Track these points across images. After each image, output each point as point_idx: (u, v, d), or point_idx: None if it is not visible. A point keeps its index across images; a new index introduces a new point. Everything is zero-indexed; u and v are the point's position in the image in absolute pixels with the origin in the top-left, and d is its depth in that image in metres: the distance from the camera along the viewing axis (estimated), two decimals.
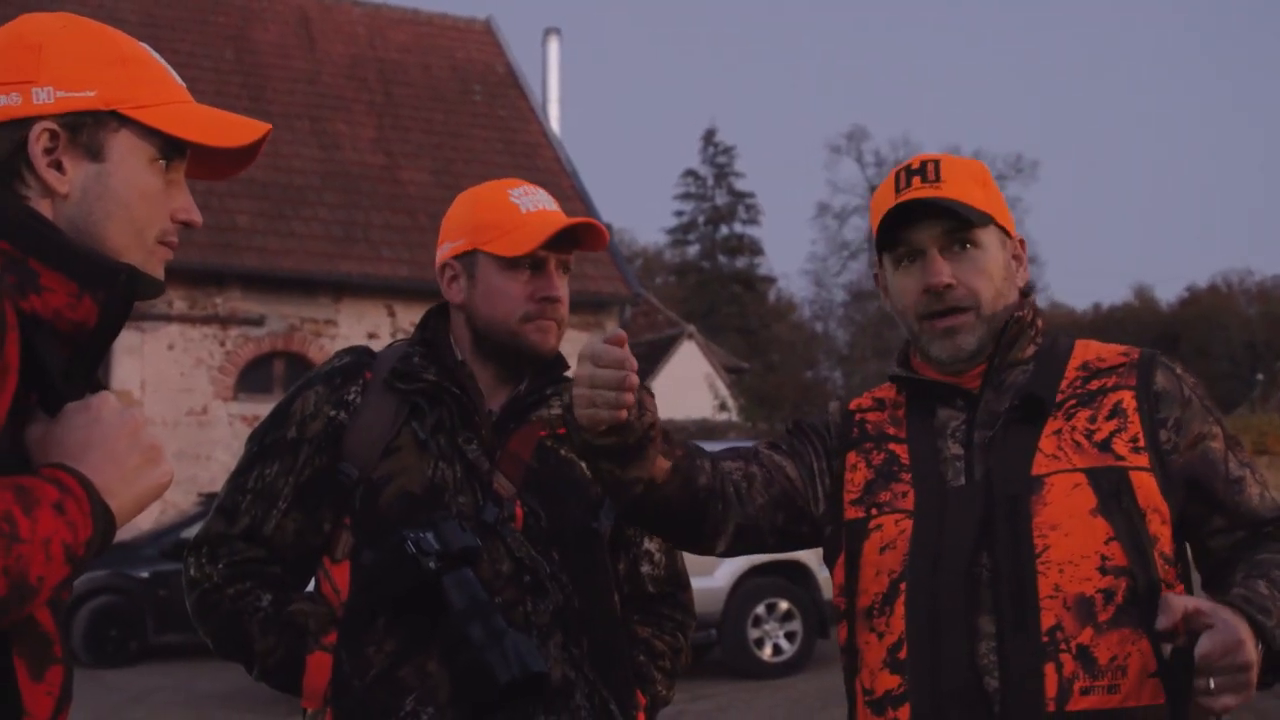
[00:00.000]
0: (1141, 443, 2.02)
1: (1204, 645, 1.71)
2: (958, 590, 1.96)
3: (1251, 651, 1.72)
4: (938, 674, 1.95)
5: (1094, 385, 2.08)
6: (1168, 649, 1.81)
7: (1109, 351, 2.15)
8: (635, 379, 1.87)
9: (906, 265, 2.14)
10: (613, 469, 1.99)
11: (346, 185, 20.70)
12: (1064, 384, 2.09)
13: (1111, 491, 1.97)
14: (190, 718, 10.81)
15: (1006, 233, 2.17)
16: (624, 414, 1.89)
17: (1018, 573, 1.94)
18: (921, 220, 2.11)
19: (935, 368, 2.14)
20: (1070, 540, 1.95)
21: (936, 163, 2.16)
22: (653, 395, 2.03)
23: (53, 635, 1.44)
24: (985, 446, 2.05)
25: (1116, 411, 2.04)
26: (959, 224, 2.09)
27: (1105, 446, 2.01)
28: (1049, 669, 1.90)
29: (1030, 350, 2.14)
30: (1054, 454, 2.01)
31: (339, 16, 24.28)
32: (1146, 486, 1.99)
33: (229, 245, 18.82)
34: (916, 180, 2.14)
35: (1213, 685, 1.71)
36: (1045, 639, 1.91)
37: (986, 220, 2.12)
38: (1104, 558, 1.94)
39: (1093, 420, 2.04)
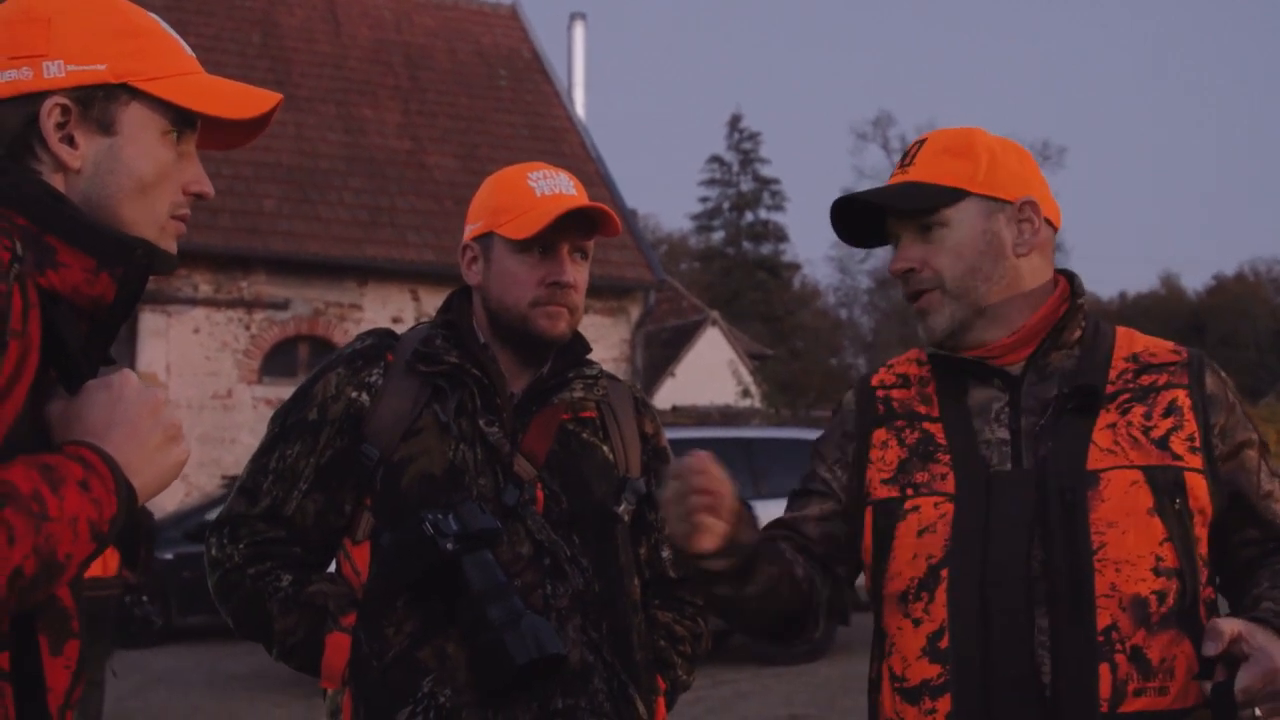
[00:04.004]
0: (1197, 443, 1.98)
1: (1243, 680, 1.72)
2: (1014, 582, 1.91)
3: None
4: (987, 667, 1.90)
5: (1145, 380, 2.03)
6: (1207, 686, 1.79)
7: (1158, 347, 2.10)
8: (698, 487, 1.83)
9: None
10: (728, 592, 1.98)
11: (372, 170, 20.72)
12: (1112, 374, 2.04)
13: (1167, 491, 1.94)
14: (214, 698, 10.88)
15: (1000, 200, 2.07)
16: (700, 523, 1.84)
17: (1073, 569, 1.90)
18: (894, 210, 2.10)
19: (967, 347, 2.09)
20: (1127, 539, 1.91)
21: (921, 142, 2.13)
22: (750, 509, 2.00)
23: (71, 610, 1.45)
24: (1035, 434, 1.99)
25: (1172, 409, 2.00)
26: (922, 208, 2.06)
27: (1163, 444, 1.97)
28: (1103, 669, 1.87)
29: (1076, 334, 2.08)
30: (1110, 449, 1.96)
31: (365, 1, 24.29)
32: (1198, 488, 1.96)
33: (255, 229, 18.88)
34: (897, 167, 2.13)
35: (1259, 713, 1.72)
36: (1100, 639, 1.88)
37: (944, 199, 2.05)
38: (1158, 558, 1.91)
39: (1148, 417, 1.99)
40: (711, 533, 1.86)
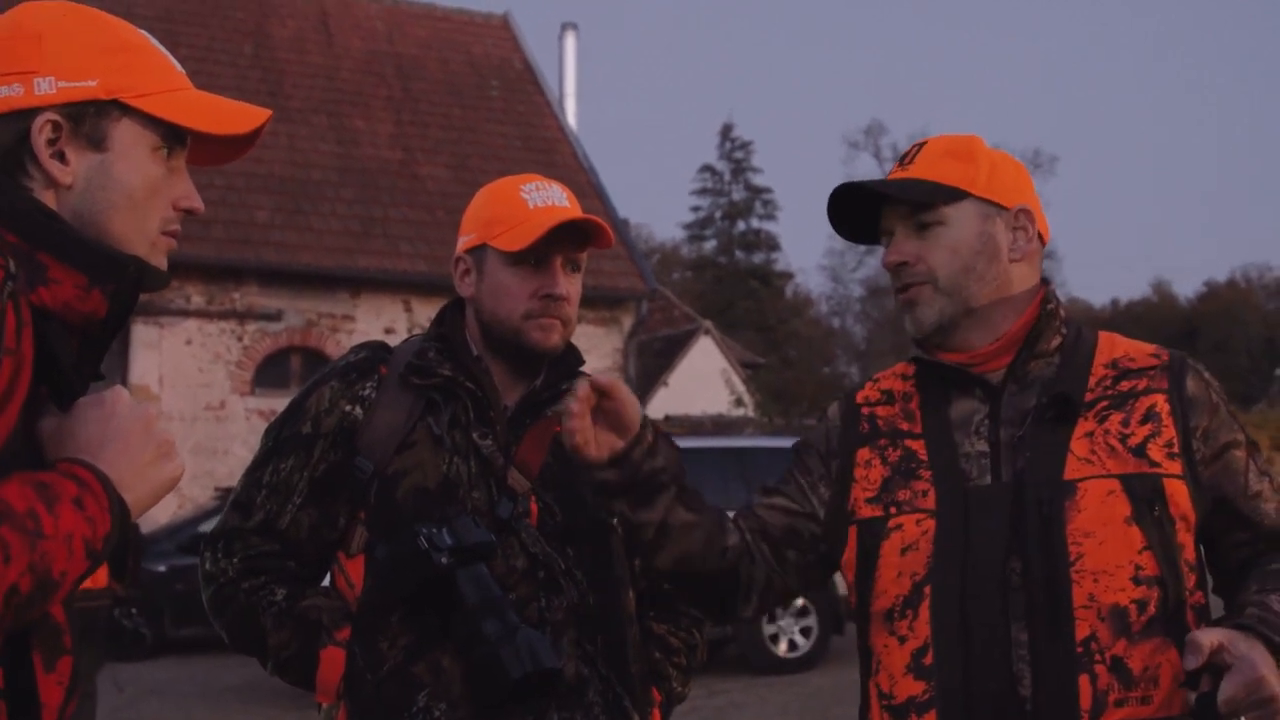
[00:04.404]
0: (1176, 448, 1.97)
1: (1226, 691, 1.70)
2: (990, 596, 1.91)
3: (1273, 684, 1.71)
4: (969, 682, 1.91)
5: (1124, 386, 2.02)
6: (1191, 697, 1.78)
7: (1138, 351, 2.09)
8: (570, 406, 1.99)
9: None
10: (625, 510, 2.04)
11: (364, 180, 20.71)
12: (1092, 381, 2.03)
13: (1145, 499, 1.92)
14: (207, 711, 10.85)
15: (998, 205, 2.09)
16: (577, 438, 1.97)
17: (1051, 581, 1.89)
18: (892, 204, 2.11)
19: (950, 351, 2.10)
20: (1104, 549, 1.90)
21: (921, 144, 2.15)
22: (674, 446, 2.06)
23: (63, 626, 1.44)
24: (1013, 445, 1.99)
25: (1150, 416, 1.99)
26: (920, 204, 2.07)
27: (1140, 452, 1.96)
28: (1083, 680, 1.86)
29: (1055, 342, 2.08)
30: (1087, 458, 1.96)
31: (357, 12, 24.30)
32: (1178, 494, 1.95)
33: (247, 240, 18.86)
34: (896, 166, 2.15)
35: None
36: (1079, 650, 1.87)
37: (944, 196, 2.07)
38: (1137, 567, 1.90)
39: (1125, 424, 1.98)
40: (590, 439, 1.99)
